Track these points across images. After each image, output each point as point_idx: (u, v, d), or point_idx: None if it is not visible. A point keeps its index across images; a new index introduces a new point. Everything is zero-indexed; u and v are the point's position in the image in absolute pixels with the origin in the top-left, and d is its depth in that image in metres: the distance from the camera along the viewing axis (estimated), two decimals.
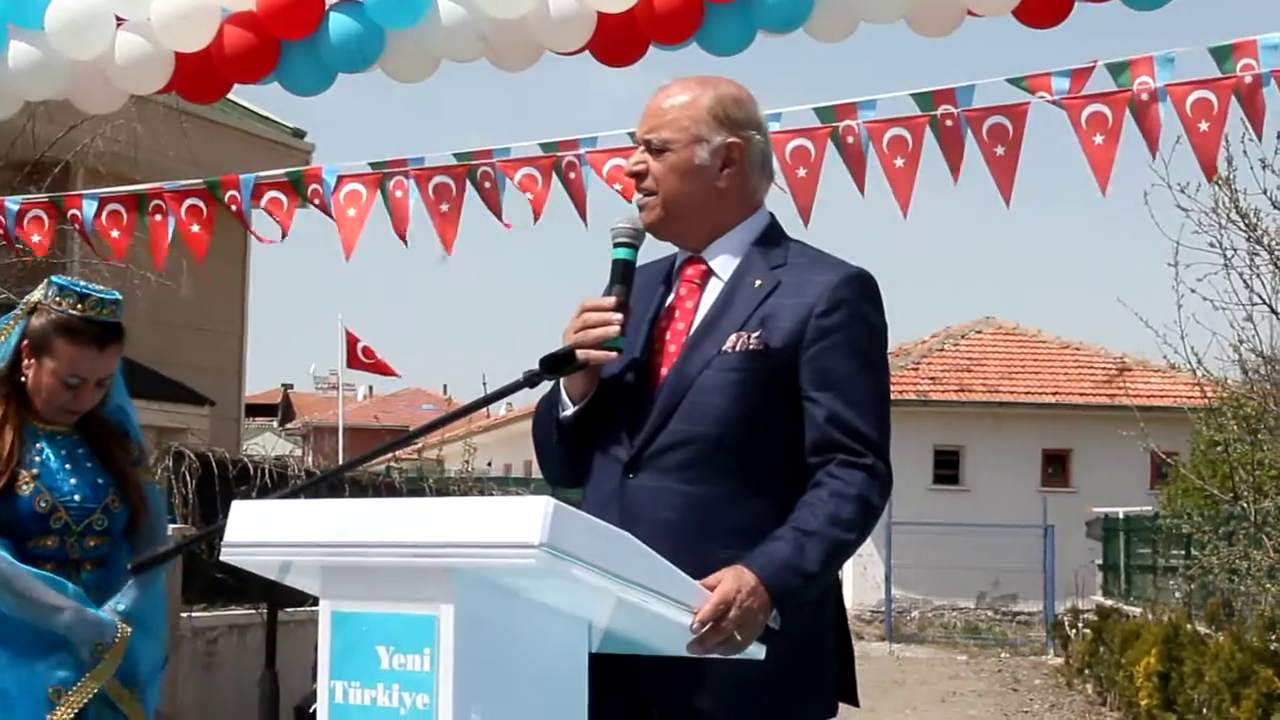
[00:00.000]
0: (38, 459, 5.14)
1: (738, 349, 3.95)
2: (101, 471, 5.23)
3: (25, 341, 5.17)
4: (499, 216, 7.24)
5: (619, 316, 3.94)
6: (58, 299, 5.17)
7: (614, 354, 3.94)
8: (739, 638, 3.59)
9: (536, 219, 7.22)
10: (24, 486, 5.07)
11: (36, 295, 5.24)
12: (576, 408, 4.03)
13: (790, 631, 3.77)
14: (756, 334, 3.96)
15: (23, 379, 5.18)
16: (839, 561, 3.86)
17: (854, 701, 4.12)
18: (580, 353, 3.93)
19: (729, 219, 4.13)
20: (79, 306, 5.15)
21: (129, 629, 5.06)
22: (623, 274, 4.04)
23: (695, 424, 3.91)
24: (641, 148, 4.13)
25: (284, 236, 7.52)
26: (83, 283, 5.31)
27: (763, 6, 6.04)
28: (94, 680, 4.98)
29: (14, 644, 4.96)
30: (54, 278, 5.32)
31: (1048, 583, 30.27)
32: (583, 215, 7.15)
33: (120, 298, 5.31)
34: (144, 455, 5.49)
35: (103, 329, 5.16)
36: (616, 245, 4.06)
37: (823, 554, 3.77)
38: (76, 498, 5.13)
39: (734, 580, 3.63)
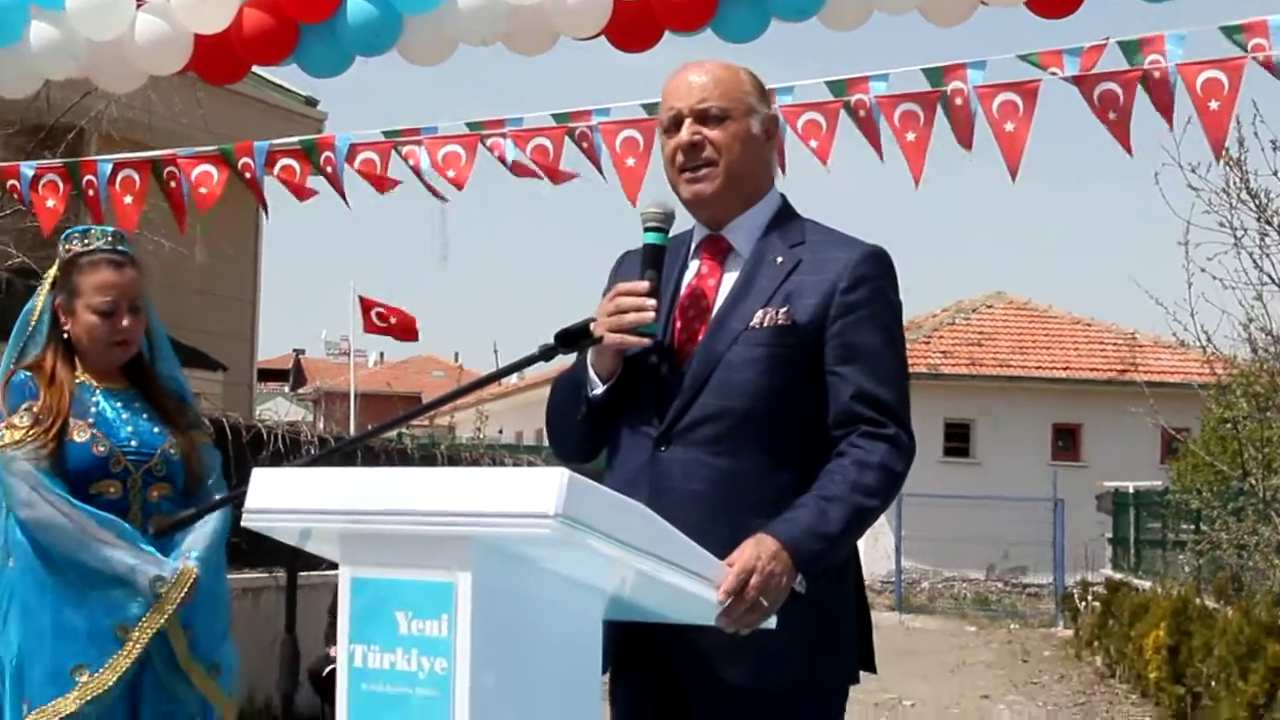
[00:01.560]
0: (93, 410, 5.25)
1: (765, 324, 4.02)
2: (159, 422, 5.33)
3: (56, 301, 5.34)
4: (520, 174, 7.23)
5: (653, 302, 3.98)
6: (65, 246, 5.39)
7: (648, 339, 3.99)
8: (765, 603, 3.64)
9: (556, 180, 7.23)
10: (79, 434, 5.18)
11: (52, 271, 5.40)
12: (606, 386, 4.08)
13: (814, 601, 3.84)
14: (783, 310, 4.02)
15: (66, 336, 5.32)
16: (861, 527, 3.91)
17: (872, 669, 4.19)
18: (615, 337, 3.98)
19: (756, 194, 4.20)
20: (84, 242, 5.35)
21: (194, 568, 5.15)
22: (654, 258, 4.08)
23: (725, 398, 3.98)
24: (691, 119, 4.12)
25: (303, 199, 7.54)
26: (82, 226, 5.46)
27: None
28: (157, 614, 5.07)
29: (78, 582, 5.06)
30: (63, 235, 5.47)
31: (1057, 555, 30.30)
32: (600, 170, 7.14)
33: (121, 232, 5.51)
34: (199, 419, 5.58)
35: (112, 253, 5.33)
36: (647, 229, 4.10)
37: (844, 518, 3.83)
38: (134, 443, 5.24)
39: (753, 548, 3.68)
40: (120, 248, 5.37)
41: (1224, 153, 10.78)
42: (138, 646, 5.04)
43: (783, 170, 6.72)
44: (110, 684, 5.01)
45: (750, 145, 4.15)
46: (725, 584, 3.61)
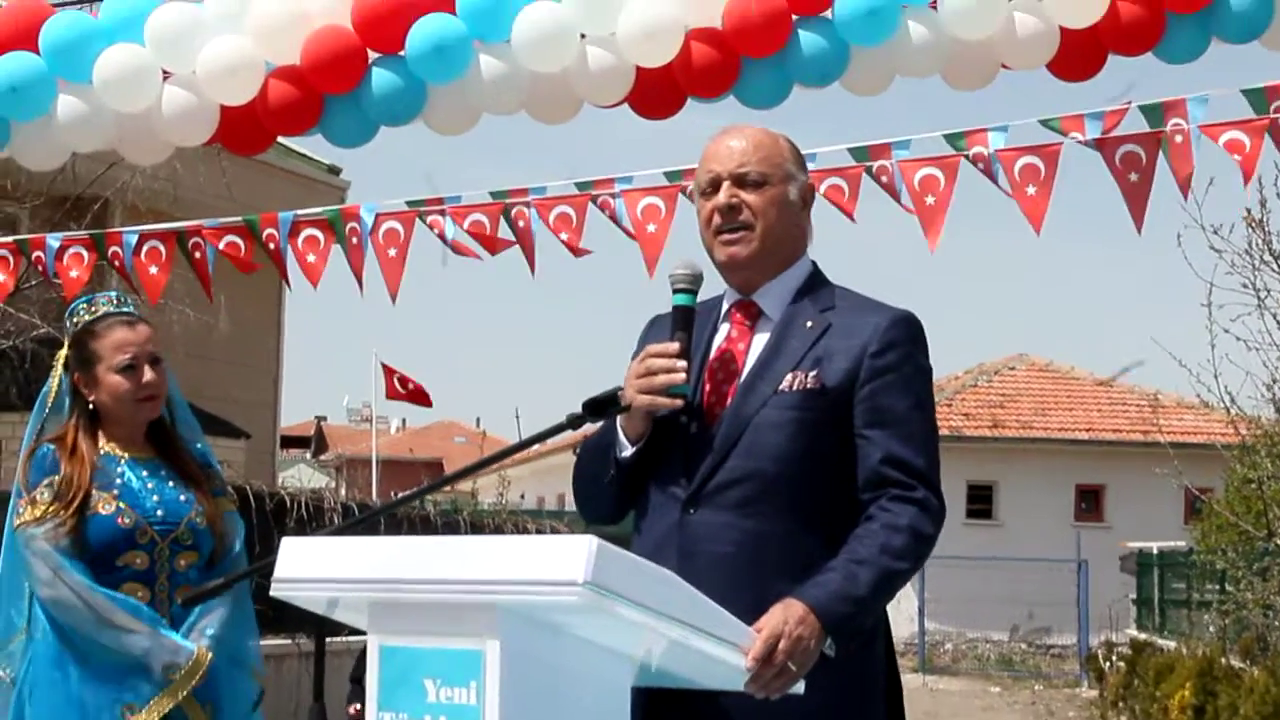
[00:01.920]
0: (118, 481, 5.21)
1: (795, 388, 4.02)
2: (184, 490, 5.30)
3: (75, 376, 5.31)
4: (531, 263, 7.26)
5: (684, 364, 4.00)
6: (71, 320, 5.38)
7: (679, 401, 4.00)
8: (794, 668, 3.64)
9: (577, 253, 7.24)
10: (105, 507, 5.14)
11: (63, 351, 5.41)
12: (635, 448, 4.08)
13: (842, 665, 3.83)
14: (813, 373, 4.03)
15: (91, 406, 5.29)
16: (891, 590, 3.91)
17: None
18: (646, 399, 3.99)
19: (789, 259, 4.22)
20: (91, 310, 5.34)
21: (208, 652, 5.11)
22: (684, 320, 4.10)
23: (754, 461, 3.98)
24: (729, 182, 4.15)
25: (315, 285, 7.53)
26: (85, 297, 5.47)
27: (800, 61, 6.09)
28: (167, 699, 5.02)
29: (93, 661, 5.03)
30: (67, 312, 5.49)
31: (1082, 616, 30.19)
32: (626, 231, 7.15)
33: (123, 294, 5.51)
34: (225, 487, 5.56)
35: (121, 313, 5.33)
36: (676, 291, 4.11)
37: (873, 581, 3.83)
38: (160, 513, 5.19)
39: (781, 613, 3.69)
40: (126, 308, 5.36)
41: (1246, 214, 10.81)
42: None
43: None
44: None
45: (786, 211, 4.18)
46: (753, 650, 3.61)
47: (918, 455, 3.99)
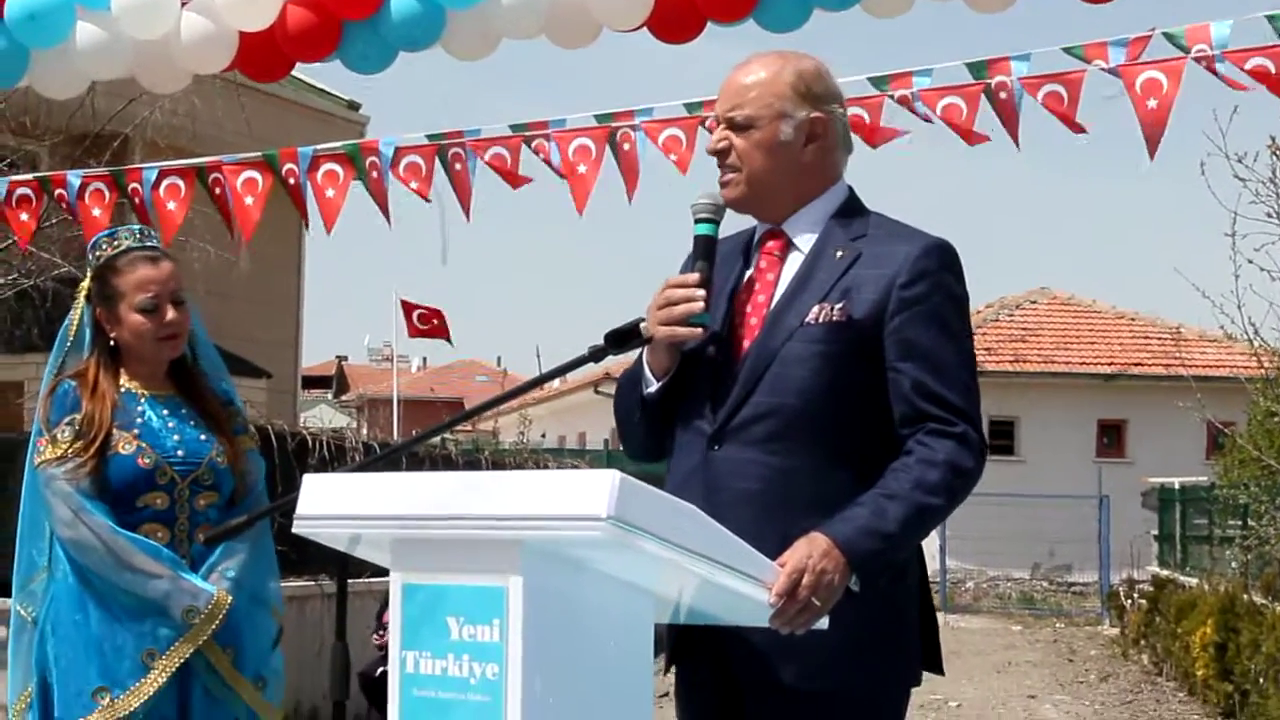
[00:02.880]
0: (139, 420, 5.18)
1: (820, 320, 3.95)
2: (205, 430, 5.27)
3: (97, 310, 5.27)
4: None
5: (703, 293, 3.95)
6: (94, 254, 5.34)
7: (699, 331, 3.95)
8: (817, 603, 3.61)
9: (583, 198, 7.20)
10: (125, 446, 5.12)
11: (85, 283, 5.38)
12: (660, 383, 4.04)
13: (873, 601, 3.80)
14: (839, 305, 3.95)
15: (113, 343, 5.26)
16: (924, 526, 3.86)
17: (939, 670, 4.13)
18: (666, 329, 3.95)
19: (810, 193, 4.13)
20: (114, 244, 5.29)
21: (227, 596, 5.09)
22: (705, 250, 4.05)
23: (779, 396, 3.92)
24: (723, 124, 4.11)
25: (332, 225, 7.49)
26: (107, 230, 5.44)
27: None
28: (187, 644, 5.01)
29: (114, 606, 5.02)
30: (90, 244, 5.46)
31: (1103, 553, 30.20)
32: (630, 189, 7.13)
33: (147, 228, 5.48)
34: (247, 424, 5.52)
35: (144, 249, 5.29)
36: (698, 221, 4.07)
37: (904, 516, 3.78)
38: (180, 453, 5.17)
39: (805, 548, 3.65)
40: (150, 243, 5.32)
41: (1271, 141, 10.72)
42: (163, 675, 4.99)
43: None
44: (133, 709, 4.97)
45: (778, 153, 4.08)
46: (777, 585, 3.58)
47: (953, 388, 3.92)
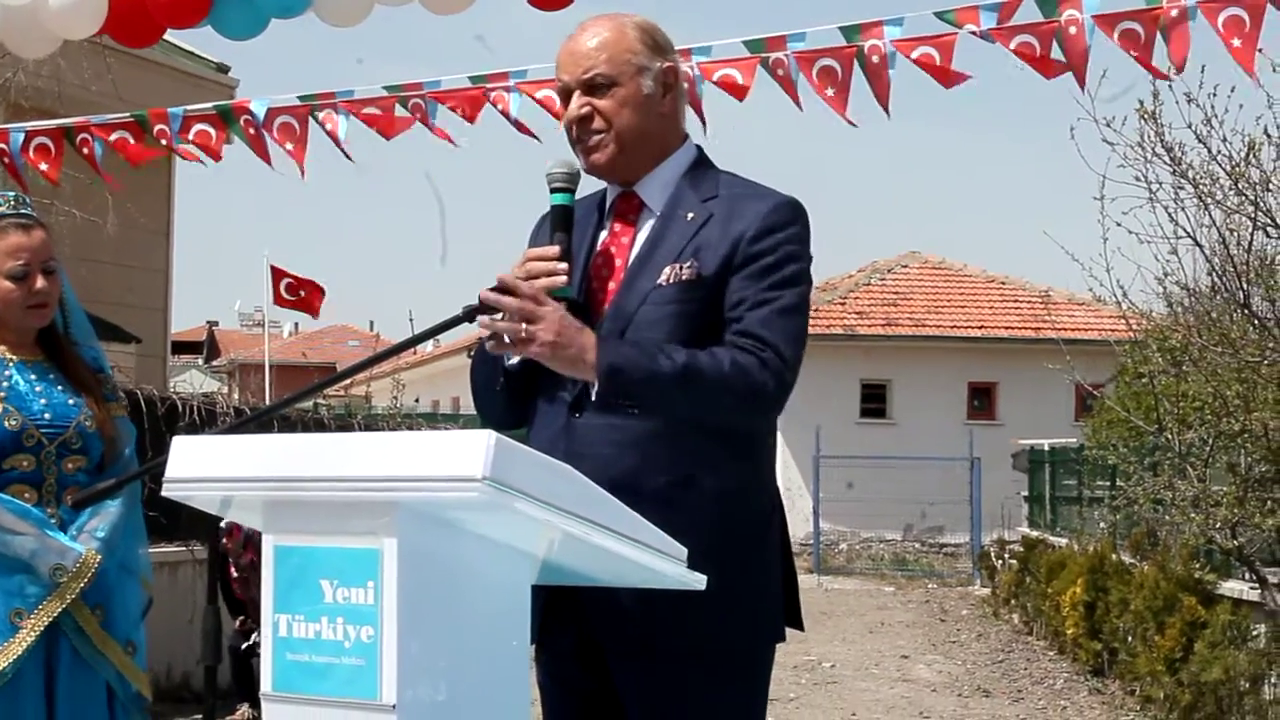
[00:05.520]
0: (5, 384, 5.16)
1: (672, 281, 3.97)
2: (74, 394, 5.25)
3: None
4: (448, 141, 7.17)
5: (564, 265, 3.94)
6: None
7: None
8: (530, 330, 3.77)
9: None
10: None
11: None
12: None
13: (735, 558, 3.84)
14: (688, 265, 3.97)
15: None
16: (683, 397, 3.85)
17: (799, 625, 4.16)
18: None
19: (670, 146, 4.15)
20: None
21: (96, 555, 5.06)
22: (563, 220, 4.04)
23: None
24: (579, 91, 4.09)
25: (217, 159, 7.45)
26: None
27: None
28: (55, 601, 4.99)
29: None
30: None
31: (974, 515, 30.52)
32: (526, 132, 7.11)
33: (21, 195, 5.39)
34: (116, 390, 5.50)
35: (16, 216, 5.23)
36: (553, 190, 4.05)
37: (673, 371, 3.81)
38: (48, 416, 5.15)
39: (576, 324, 3.81)
40: (23, 210, 5.27)
41: (1139, 106, 10.82)
42: (31, 634, 4.96)
43: (704, 126, 6.73)
44: (2, 669, 4.93)
45: (643, 107, 4.09)
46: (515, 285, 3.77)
47: (771, 330, 3.92)
